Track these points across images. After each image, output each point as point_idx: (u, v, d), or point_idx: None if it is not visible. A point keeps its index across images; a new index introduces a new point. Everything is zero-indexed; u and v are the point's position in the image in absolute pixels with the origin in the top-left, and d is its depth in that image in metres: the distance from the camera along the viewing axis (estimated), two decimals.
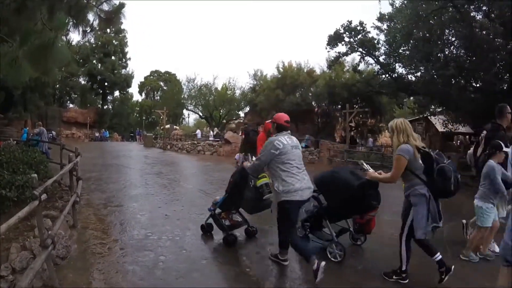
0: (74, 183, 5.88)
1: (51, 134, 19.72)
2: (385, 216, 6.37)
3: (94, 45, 41.08)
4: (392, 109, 24.60)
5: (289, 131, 3.74)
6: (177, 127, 36.43)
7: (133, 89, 54.20)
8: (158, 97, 53.19)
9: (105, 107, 45.63)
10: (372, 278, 3.63)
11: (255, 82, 31.08)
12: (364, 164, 4.07)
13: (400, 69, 16.43)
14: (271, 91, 25.15)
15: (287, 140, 3.58)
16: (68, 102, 43.54)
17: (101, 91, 44.34)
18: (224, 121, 32.34)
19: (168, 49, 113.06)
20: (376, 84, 18.84)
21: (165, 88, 52.03)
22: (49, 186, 3.72)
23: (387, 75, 17.24)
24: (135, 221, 5.57)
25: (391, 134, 3.39)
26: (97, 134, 36.97)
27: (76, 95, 43.32)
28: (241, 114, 35.66)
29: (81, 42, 33.59)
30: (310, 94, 25.14)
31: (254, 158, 4.28)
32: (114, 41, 43.60)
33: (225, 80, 66.30)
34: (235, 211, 4.90)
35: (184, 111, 40.76)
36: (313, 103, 25.54)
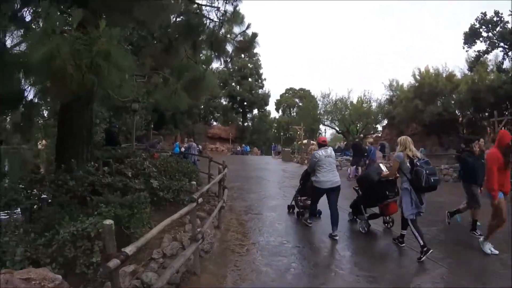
0: (221, 191, 6.77)
1: (198, 148, 22.72)
2: None
3: (231, 70, 46.33)
4: None
5: (325, 147, 5.97)
6: (314, 142, 36.74)
7: (270, 107, 57.76)
8: (294, 114, 54.66)
9: (245, 124, 50.70)
10: None
11: (391, 93, 29.32)
12: (381, 166, 5.96)
13: None
14: (409, 102, 23.25)
15: (322, 152, 5.79)
16: (212, 120, 49.57)
17: (241, 110, 49.76)
18: (362, 135, 30.89)
19: (301, 67, 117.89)
20: None
21: (300, 104, 53.50)
22: (204, 192, 4.52)
23: None
24: (273, 228, 6.02)
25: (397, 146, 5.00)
26: (238, 148, 40.98)
27: (218, 114, 49.34)
28: (379, 127, 33.69)
29: (220, 68, 38.14)
30: (452, 101, 22.06)
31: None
32: (249, 64, 48.49)
33: (360, 93, 63.69)
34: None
35: (321, 126, 40.81)
36: (456, 111, 22.40)
